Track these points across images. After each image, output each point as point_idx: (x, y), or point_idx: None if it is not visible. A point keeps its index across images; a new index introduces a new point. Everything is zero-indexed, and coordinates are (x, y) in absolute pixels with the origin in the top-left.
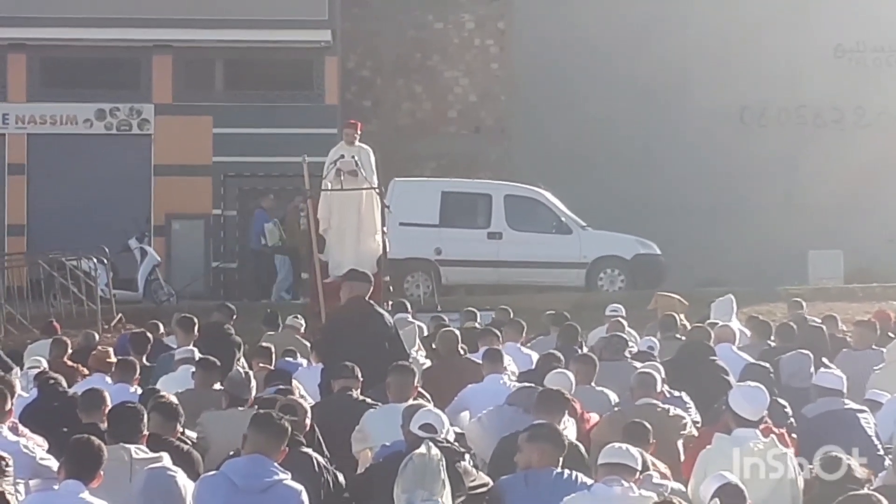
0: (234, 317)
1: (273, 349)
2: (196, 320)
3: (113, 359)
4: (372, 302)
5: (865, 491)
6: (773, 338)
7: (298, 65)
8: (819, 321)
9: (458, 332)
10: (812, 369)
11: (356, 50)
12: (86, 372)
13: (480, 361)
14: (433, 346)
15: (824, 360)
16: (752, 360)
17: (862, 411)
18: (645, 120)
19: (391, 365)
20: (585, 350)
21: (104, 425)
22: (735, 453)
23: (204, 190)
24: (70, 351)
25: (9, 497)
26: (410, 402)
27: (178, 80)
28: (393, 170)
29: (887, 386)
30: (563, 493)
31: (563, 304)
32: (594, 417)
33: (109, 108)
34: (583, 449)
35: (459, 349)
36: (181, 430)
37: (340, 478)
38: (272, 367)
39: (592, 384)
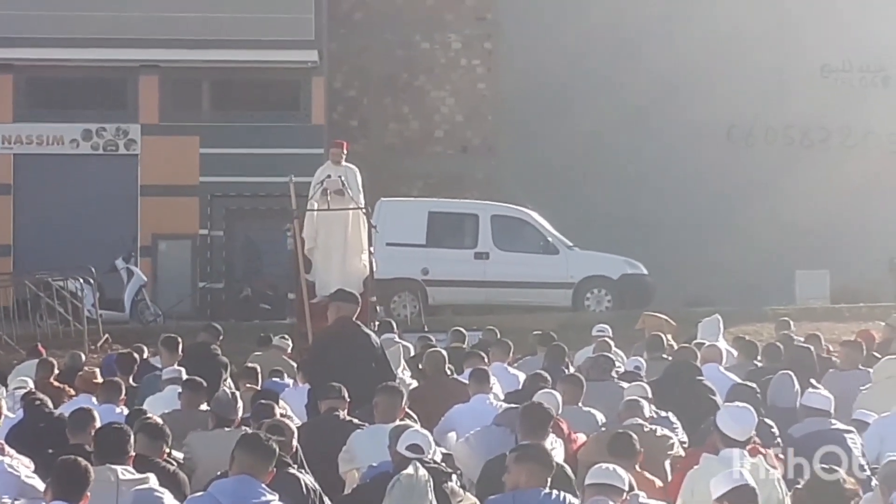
0: (221, 337)
1: (259, 370)
2: (180, 340)
3: (99, 379)
4: (359, 322)
5: None
6: (759, 358)
7: (285, 85)
8: (804, 341)
9: (445, 353)
10: (797, 389)
11: (343, 70)
12: (72, 392)
13: (467, 382)
14: (420, 366)
15: (812, 380)
16: (738, 381)
17: (849, 431)
18: (632, 138)
19: (378, 385)
20: (572, 370)
21: (91, 447)
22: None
23: (191, 210)
24: (56, 371)
25: None
26: (397, 422)
27: (164, 101)
28: (380, 189)
29: (874, 406)
30: None
31: (550, 324)
32: (581, 438)
33: (96, 128)
34: (569, 470)
35: (446, 369)
36: (168, 450)
37: (326, 501)
38: (259, 388)
39: (580, 404)
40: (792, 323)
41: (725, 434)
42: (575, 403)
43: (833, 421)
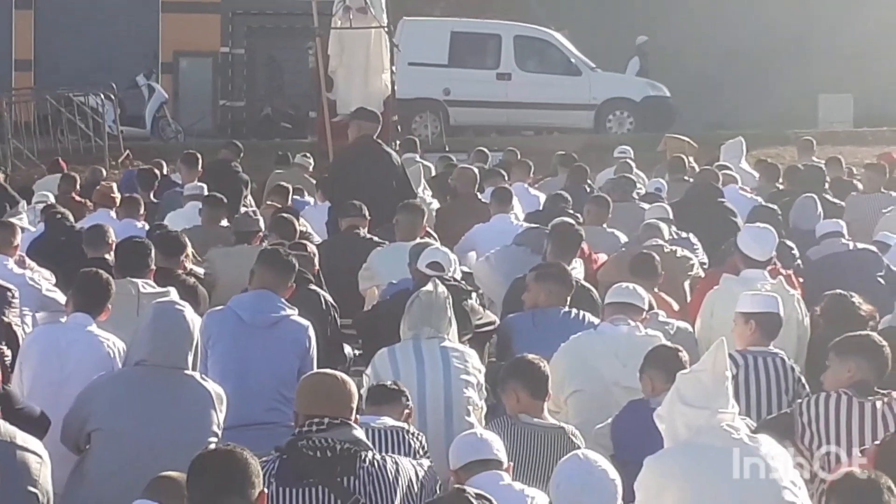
0: (242, 155)
1: (290, 189)
2: (200, 156)
3: (116, 194)
4: (380, 141)
5: (867, 332)
6: (781, 180)
7: None
8: (824, 164)
9: (476, 170)
10: (820, 212)
11: None
12: (92, 207)
13: (488, 201)
14: (449, 181)
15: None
16: (760, 203)
17: (870, 252)
18: None
19: (399, 204)
20: (594, 191)
21: (110, 259)
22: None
23: (212, 27)
24: (77, 186)
25: (15, 328)
26: (418, 240)
27: None
28: (402, 9)
29: None
30: (570, 332)
31: (572, 146)
32: (602, 258)
33: None
34: (591, 290)
35: (476, 188)
36: (188, 264)
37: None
38: (286, 205)
39: (604, 225)
40: (815, 144)
41: (745, 255)
42: (601, 224)
43: (848, 241)
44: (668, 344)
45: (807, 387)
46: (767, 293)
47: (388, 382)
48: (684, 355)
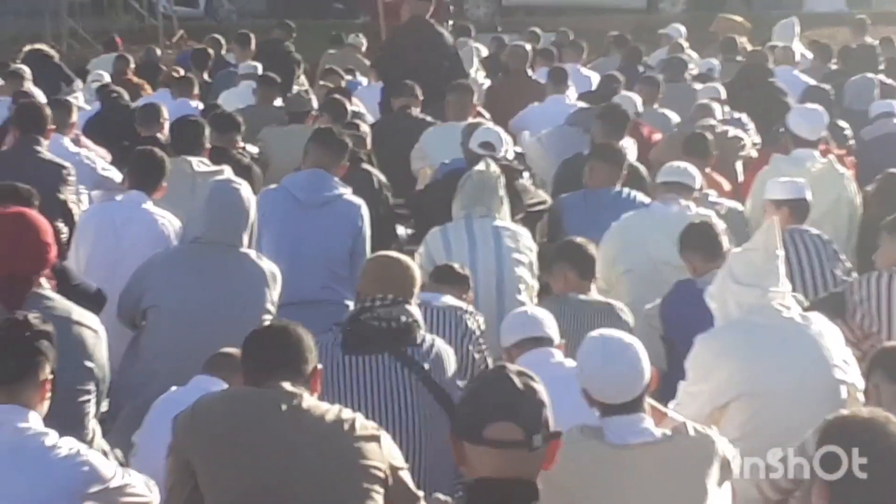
0: (294, 35)
1: (341, 73)
2: (253, 36)
3: (175, 74)
4: (432, 21)
5: None
6: (834, 61)
7: None
8: (878, 43)
9: (528, 48)
10: (877, 92)
11: None
12: (147, 87)
13: (543, 81)
14: (497, 63)
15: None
16: (812, 83)
17: None
18: None
19: (450, 83)
20: (646, 72)
21: (163, 138)
22: (792, 174)
23: None
24: (132, 66)
25: (71, 205)
26: (470, 120)
27: None
28: None
29: None
30: (622, 211)
31: (624, 26)
32: (657, 138)
33: None
34: (643, 169)
35: (528, 67)
36: (242, 143)
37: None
38: (338, 85)
39: (655, 106)
40: (868, 24)
41: (796, 134)
42: (651, 104)
43: None
44: (698, 220)
45: (847, 262)
46: (795, 180)
47: (456, 265)
48: (719, 228)
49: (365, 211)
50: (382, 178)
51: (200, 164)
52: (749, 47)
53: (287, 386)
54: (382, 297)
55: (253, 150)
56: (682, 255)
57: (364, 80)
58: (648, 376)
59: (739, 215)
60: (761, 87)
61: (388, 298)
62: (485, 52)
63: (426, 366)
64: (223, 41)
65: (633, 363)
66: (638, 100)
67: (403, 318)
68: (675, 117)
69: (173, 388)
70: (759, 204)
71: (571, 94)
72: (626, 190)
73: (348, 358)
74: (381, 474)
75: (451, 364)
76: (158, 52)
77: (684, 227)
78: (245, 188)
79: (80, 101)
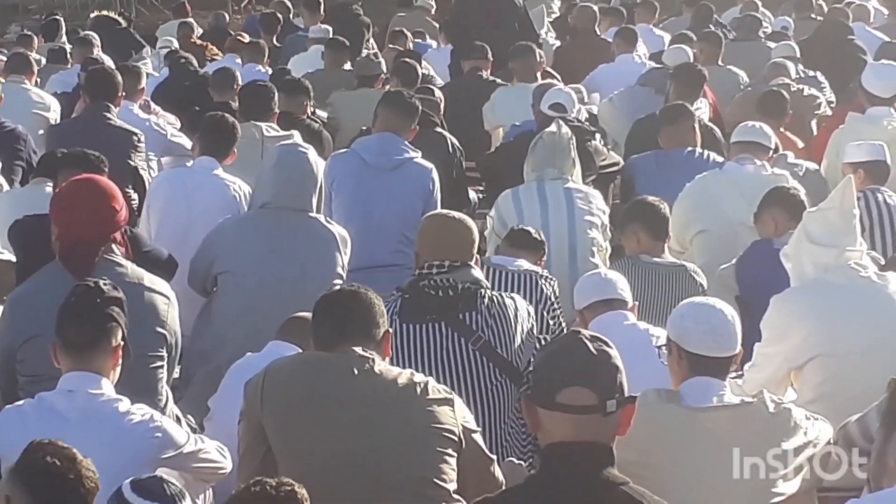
0: None
1: (408, 34)
2: (322, 1)
3: (241, 40)
4: None
5: None
6: None
7: None
8: None
9: (596, 8)
10: None
11: None
12: (216, 52)
13: (612, 41)
14: (566, 23)
15: None
16: (888, 40)
17: None
18: None
19: (511, 49)
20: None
21: (235, 104)
22: (867, 132)
23: None
24: (200, 31)
25: (142, 172)
26: (540, 81)
27: None
28: None
29: None
30: (695, 172)
31: None
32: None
33: None
34: (716, 130)
35: (596, 27)
36: (311, 108)
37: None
38: (408, 49)
39: (719, 62)
40: None
41: (870, 92)
42: (714, 62)
43: None
44: (787, 185)
45: None
46: (872, 142)
47: (532, 230)
48: (803, 193)
49: (435, 174)
50: (455, 141)
51: (269, 129)
52: (825, 5)
53: (359, 350)
54: (440, 264)
55: (322, 114)
56: (767, 213)
57: (433, 43)
58: (739, 346)
59: (818, 176)
60: (838, 45)
61: (444, 265)
62: (557, 10)
63: (485, 333)
64: (291, 6)
65: (732, 322)
66: (690, 53)
67: (461, 285)
68: (742, 75)
69: (248, 354)
70: (835, 163)
71: (641, 53)
72: (698, 150)
73: (405, 326)
74: (455, 437)
75: (519, 324)
76: (227, 17)
77: (770, 189)
78: (312, 152)
79: (149, 67)
